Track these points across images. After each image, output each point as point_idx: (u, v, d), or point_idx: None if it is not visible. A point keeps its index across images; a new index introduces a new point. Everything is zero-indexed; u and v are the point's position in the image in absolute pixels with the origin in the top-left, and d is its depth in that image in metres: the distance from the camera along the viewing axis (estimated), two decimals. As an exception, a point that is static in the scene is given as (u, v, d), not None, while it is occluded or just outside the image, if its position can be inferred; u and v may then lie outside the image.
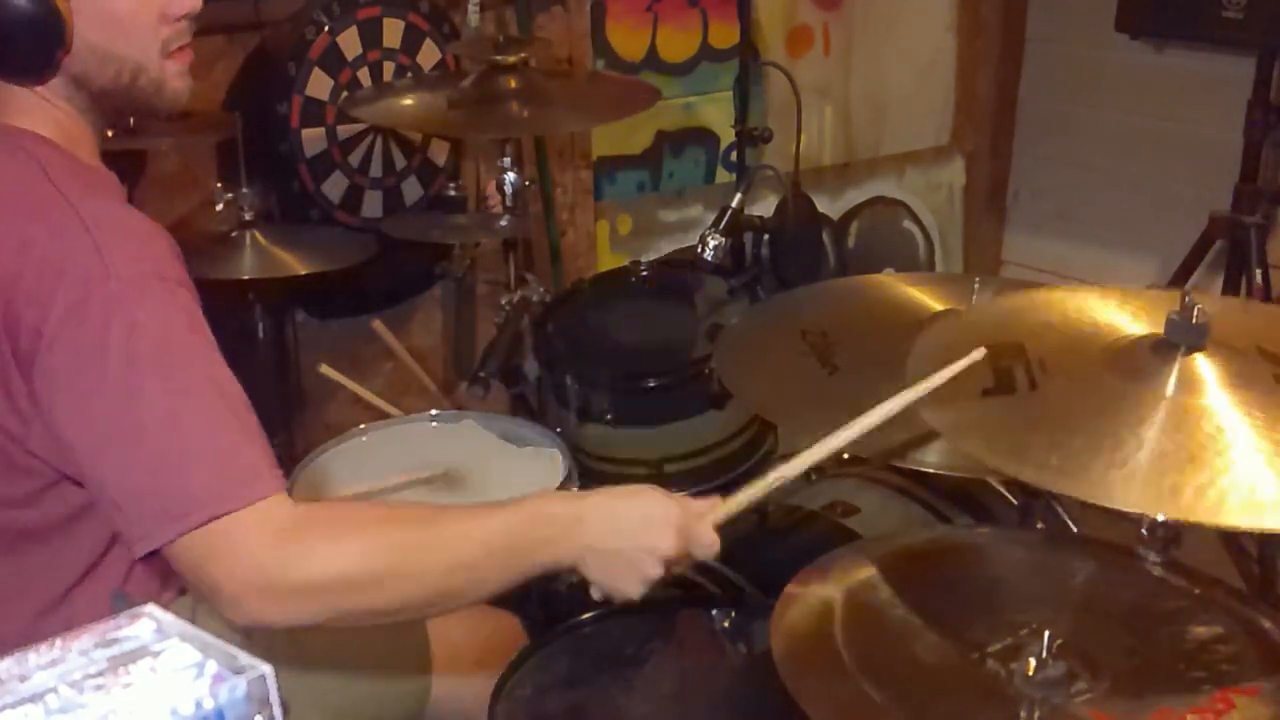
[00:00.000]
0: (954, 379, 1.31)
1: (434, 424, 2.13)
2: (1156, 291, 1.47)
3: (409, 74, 2.57)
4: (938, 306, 1.83)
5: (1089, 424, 1.22)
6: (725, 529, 1.37)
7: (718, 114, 3.05)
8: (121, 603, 1.34)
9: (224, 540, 1.16)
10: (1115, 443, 1.18)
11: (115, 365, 1.18)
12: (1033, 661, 1.21)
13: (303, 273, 2.19)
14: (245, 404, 1.25)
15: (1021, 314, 1.44)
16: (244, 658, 0.75)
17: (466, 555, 1.24)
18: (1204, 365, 1.26)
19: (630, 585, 1.29)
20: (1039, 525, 1.86)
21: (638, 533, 1.29)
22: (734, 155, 2.88)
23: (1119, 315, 1.40)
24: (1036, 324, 1.40)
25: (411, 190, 2.67)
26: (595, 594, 1.32)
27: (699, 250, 2.32)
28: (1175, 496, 1.13)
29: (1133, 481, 1.15)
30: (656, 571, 1.28)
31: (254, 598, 1.16)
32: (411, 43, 2.57)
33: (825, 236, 3.31)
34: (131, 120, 2.10)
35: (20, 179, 1.29)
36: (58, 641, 0.77)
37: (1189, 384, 1.24)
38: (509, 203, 2.29)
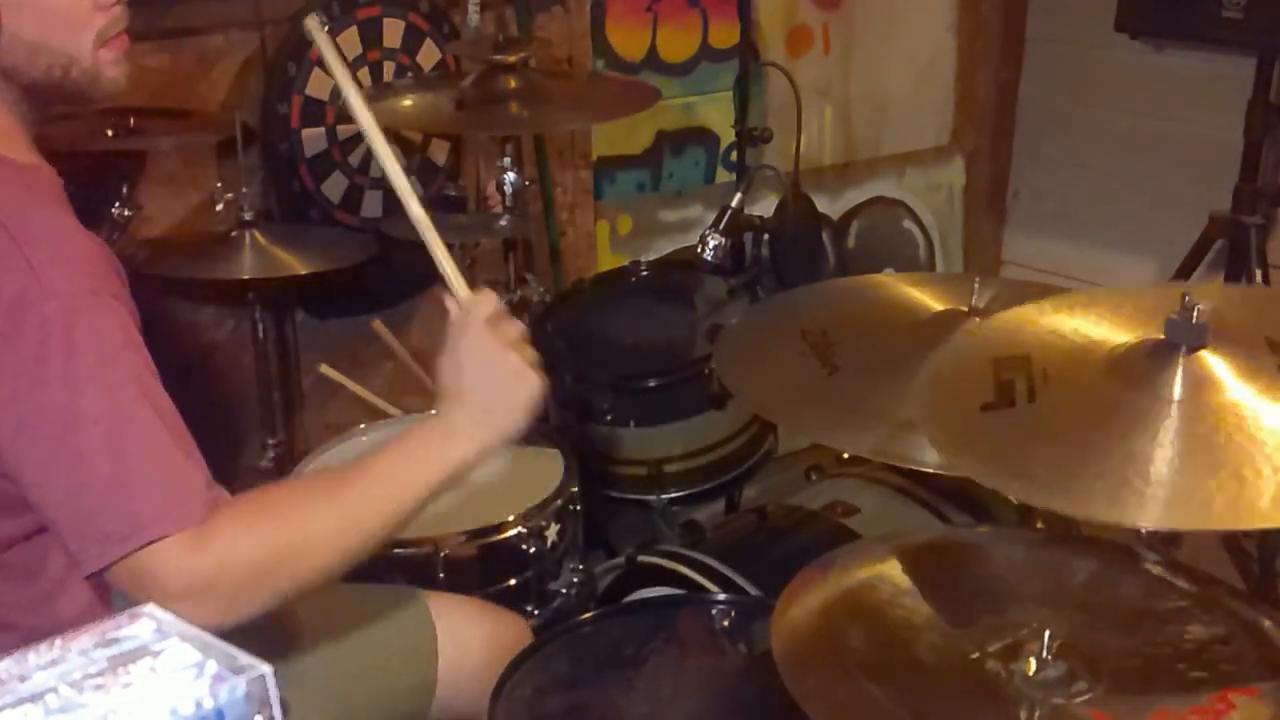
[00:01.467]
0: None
1: (434, 424, 2.12)
2: (1166, 288, 1.45)
3: (409, 74, 2.57)
4: (938, 306, 1.83)
5: (1087, 435, 1.21)
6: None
7: (718, 114, 3.05)
8: (122, 603, 1.34)
9: (154, 560, 1.17)
10: (1126, 455, 1.16)
11: (54, 387, 1.17)
12: (1033, 661, 1.21)
13: (303, 273, 2.19)
14: (178, 418, 1.24)
15: (1032, 322, 1.42)
16: (244, 658, 0.75)
17: (362, 510, 1.29)
18: (1211, 363, 1.24)
19: (522, 422, 1.37)
20: (1039, 525, 1.86)
21: (499, 396, 1.36)
22: (734, 155, 2.88)
23: (1125, 318, 1.39)
24: (1044, 332, 1.39)
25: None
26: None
27: (699, 250, 2.32)
28: (1205, 508, 1.10)
29: (1152, 495, 1.13)
30: (534, 396, 1.37)
31: (189, 608, 1.12)
32: (411, 43, 2.57)
33: (825, 236, 3.31)
34: (132, 120, 2.11)
35: None
36: (58, 641, 0.77)
37: (1197, 385, 1.23)
38: (509, 203, 2.29)
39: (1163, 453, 1.17)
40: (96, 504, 1.17)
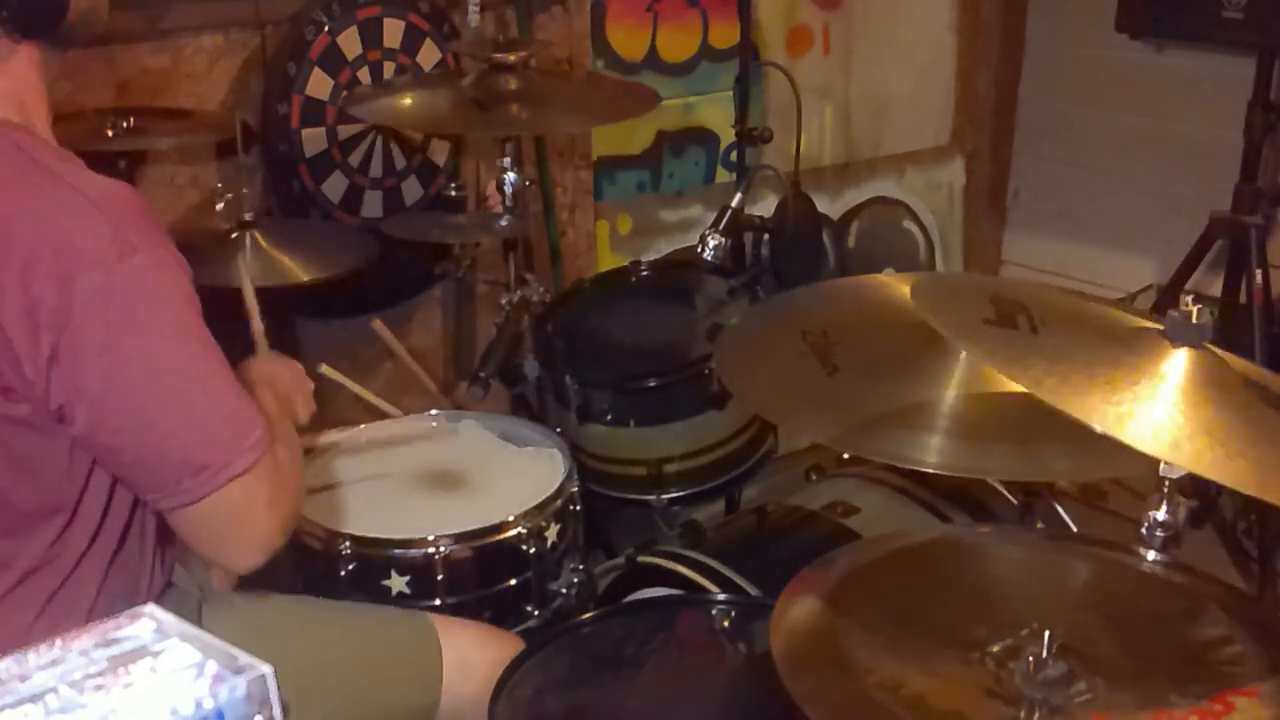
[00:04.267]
0: None
1: (434, 424, 2.13)
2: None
3: (409, 74, 2.57)
4: (938, 306, 1.83)
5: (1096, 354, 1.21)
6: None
7: (718, 114, 3.05)
8: (122, 603, 1.34)
9: (248, 486, 1.30)
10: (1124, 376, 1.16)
11: (150, 338, 1.25)
12: (1033, 661, 1.21)
13: (303, 274, 2.18)
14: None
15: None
16: (244, 658, 0.75)
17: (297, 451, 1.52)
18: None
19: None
20: (1039, 525, 1.86)
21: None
22: (734, 155, 2.88)
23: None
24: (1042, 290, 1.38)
25: (411, 190, 2.66)
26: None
27: (699, 250, 2.32)
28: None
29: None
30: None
31: (271, 527, 1.34)
32: (411, 43, 2.57)
33: (825, 236, 3.31)
34: (132, 120, 2.11)
35: (13, 167, 1.28)
36: (58, 641, 0.77)
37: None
38: (509, 203, 2.29)
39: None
40: (190, 440, 1.27)
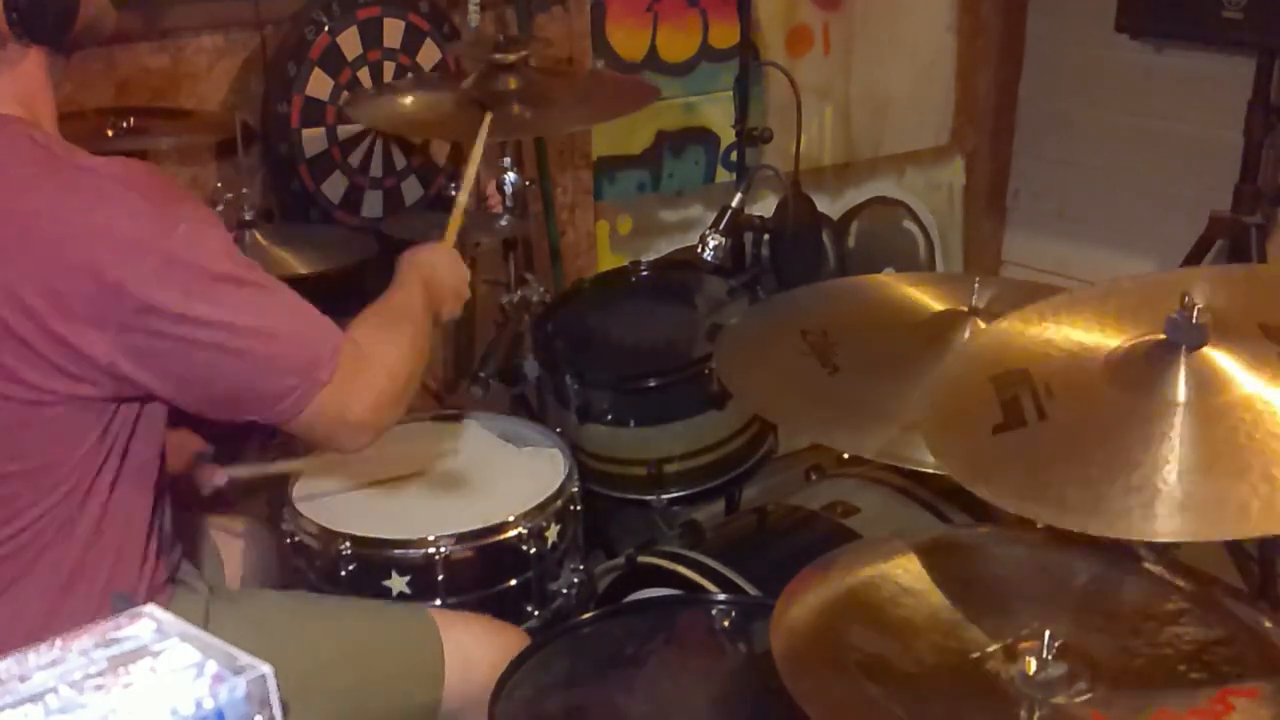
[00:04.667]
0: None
1: (434, 424, 2.13)
2: (1152, 280, 1.44)
3: (409, 74, 2.57)
4: (938, 306, 1.83)
5: (1107, 449, 1.20)
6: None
7: (718, 114, 3.05)
8: (122, 603, 1.34)
9: (339, 390, 1.40)
10: (1152, 465, 1.16)
11: (218, 297, 1.32)
12: (1033, 661, 1.21)
13: (303, 273, 2.18)
14: None
15: (1022, 335, 1.42)
16: (244, 658, 0.75)
17: (417, 332, 1.59)
18: (1215, 359, 1.24)
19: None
20: (1039, 525, 1.86)
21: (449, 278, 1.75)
22: (734, 155, 2.88)
23: (1113, 317, 1.39)
24: (1038, 343, 1.39)
25: (411, 190, 2.67)
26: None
27: (699, 250, 2.32)
28: (1243, 513, 1.09)
29: (1185, 504, 1.12)
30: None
31: (363, 434, 1.46)
32: (411, 43, 2.57)
33: (825, 236, 3.31)
34: (132, 120, 2.11)
35: (36, 163, 1.32)
36: (58, 641, 0.77)
37: (1203, 385, 1.23)
38: (509, 203, 2.29)
39: (1186, 458, 1.16)
40: (278, 368, 1.37)
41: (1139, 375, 1.27)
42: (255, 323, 1.35)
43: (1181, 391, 1.23)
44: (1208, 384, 1.23)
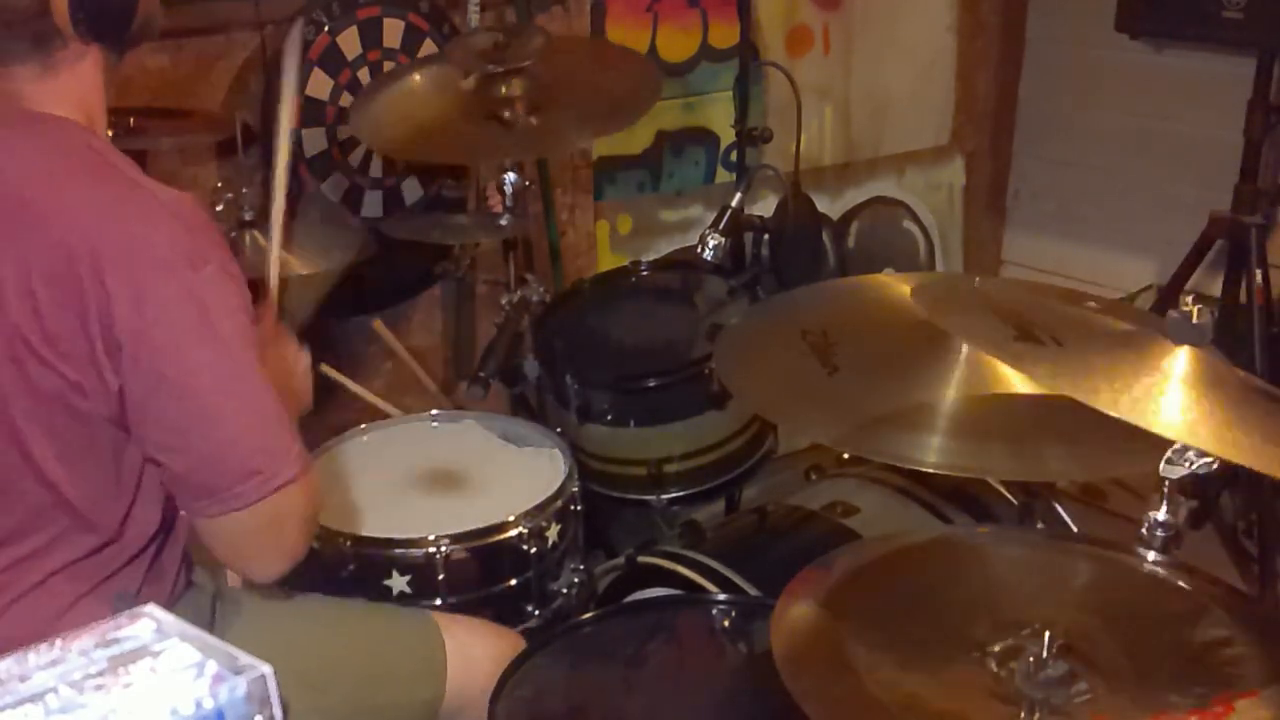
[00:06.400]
0: None
1: (434, 424, 2.13)
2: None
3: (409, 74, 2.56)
4: (938, 306, 1.83)
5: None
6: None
7: (718, 114, 3.05)
8: (122, 603, 1.34)
9: (294, 494, 1.33)
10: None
11: (218, 344, 1.29)
12: (1033, 661, 1.21)
13: (303, 273, 2.18)
14: None
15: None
16: (244, 658, 0.75)
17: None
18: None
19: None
20: (1039, 525, 1.86)
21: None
22: (734, 155, 2.88)
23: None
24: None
25: (411, 190, 2.66)
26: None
27: (699, 250, 2.32)
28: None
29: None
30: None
31: (306, 536, 1.39)
32: (411, 43, 2.57)
33: (825, 236, 3.31)
34: (132, 120, 2.11)
35: (88, 167, 1.32)
36: (58, 641, 0.77)
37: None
38: (509, 203, 2.28)
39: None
40: (249, 447, 1.31)
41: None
42: (243, 389, 1.32)
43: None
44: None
